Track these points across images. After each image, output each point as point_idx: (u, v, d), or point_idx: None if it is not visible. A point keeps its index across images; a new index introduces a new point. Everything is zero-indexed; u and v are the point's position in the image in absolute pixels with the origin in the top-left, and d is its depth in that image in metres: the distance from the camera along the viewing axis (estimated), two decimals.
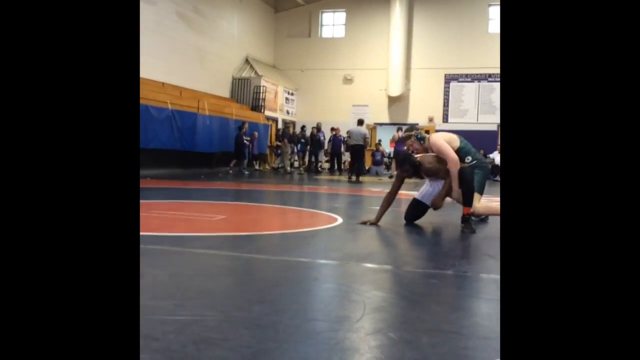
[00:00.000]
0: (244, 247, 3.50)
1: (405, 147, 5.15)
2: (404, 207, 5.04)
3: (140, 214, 1.28)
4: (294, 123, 19.76)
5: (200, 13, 16.05)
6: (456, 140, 4.69)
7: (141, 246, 2.14)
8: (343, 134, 16.03)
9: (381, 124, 19.68)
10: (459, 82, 19.12)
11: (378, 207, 4.73)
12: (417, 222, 4.75)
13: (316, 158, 16.90)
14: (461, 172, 4.48)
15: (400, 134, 14.31)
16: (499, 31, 1.30)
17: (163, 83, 14.08)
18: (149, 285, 2.27)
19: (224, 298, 2.23)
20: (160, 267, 2.73)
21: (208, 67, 16.52)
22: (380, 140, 17.94)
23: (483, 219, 5.00)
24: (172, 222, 4.55)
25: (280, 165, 15.96)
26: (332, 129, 16.85)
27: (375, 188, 9.85)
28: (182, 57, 15.14)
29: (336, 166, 16.01)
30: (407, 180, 4.99)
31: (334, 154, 16.23)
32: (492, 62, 17.69)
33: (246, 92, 18.06)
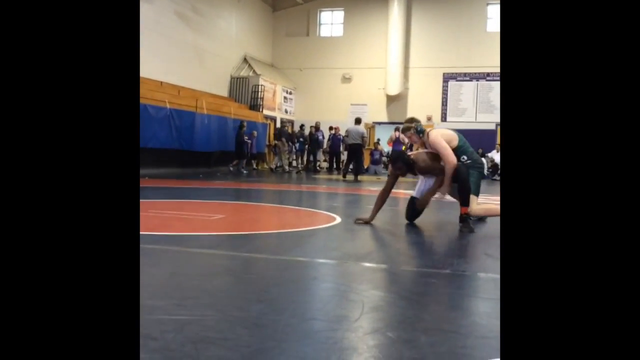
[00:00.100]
0: (243, 246, 3.50)
1: (406, 139, 5.10)
2: (401, 206, 5.04)
3: (139, 213, 1.27)
4: (292, 122, 19.75)
5: (199, 12, 16.04)
6: (455, 139, 4.66)
7: (140, 245, 2.14)
8: (342, 133, 16.03)
9: (379, 123, 19.69)
10: (457, 81, 19.13)
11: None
12: (416, 221, 4.75)
13: (314, 157, 16.90)
14: (457, 171, 4.47)
15: (398, 133, 14.32)
16: (497, 30, 1.31)
17: (161, 82, 14.07)
18: (147, 285, 2.27)
19: (222, 297, 2.23)
20: (158, 266, 2.73)
21: (206, 66, 16.51)
22: (378, 139, 17.94)
23: (481, 218, 4.99)
24: (171, 222, 4.55)
25: (278, 165, 15.96)
26: (331, 128, 16.85)
27: (374, 187, 9.85)
28: (181, 56, 15.13)
29: (335, 165, 16.01)
30: (405, 180, 4.99)
31: (333, 153, 16.23)
32: (490, 61, 17.71)
33: (244, 91, 18.06)
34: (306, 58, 20.35)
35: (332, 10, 20.52)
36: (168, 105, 12.76)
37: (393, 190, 4.94)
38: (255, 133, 15.30)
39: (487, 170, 15.33)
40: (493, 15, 18.57)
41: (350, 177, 12.39)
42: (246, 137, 14.25)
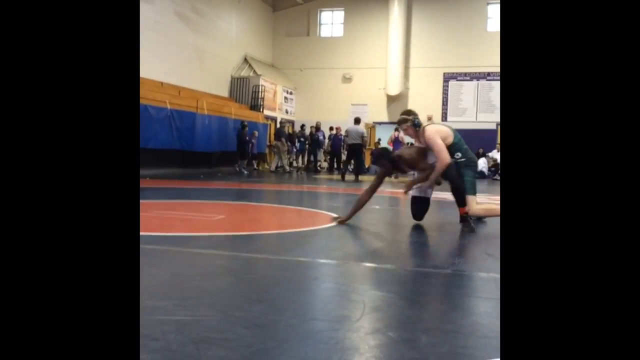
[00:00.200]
0: (243, 246, 3.50)
1: (401, 133, 5.02)
2: (402, 207, 5.03)
3: (140, 214, 1.27)
4: (292, 122, 19.75)
5: (199, 12, 16.05)
6: (451, 136, 4.57)
7: (140, 246, 2.14)
8: (343, 133, 16.02)
9: (380, 123, 19.68)
10: (457, 80, 19.13)
11: (377, 206, 4.73)
12: (417, 221, 4.74)
13: (315, 157, 16.90)
14: (446, 172, 4.40)
15: (398, 133, 14.31)
16: (497, 29, 1.31)
17: (162, 82, 14.07)
18: (148, 285, 2.27)
19: (223, 298, 2.23)
20: (159, 267, 2.73)
21: (207, 67, 16.52)
22: (379, 139, 17.93)
23: (479, 218, 4.97)
24: (171, 222, 4.55)
25: (279, 165, 15.96)
26: (332, 128, 16.84)
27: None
28: (181, 56, 15.14)
29: (335, 165, 16.01)
30: (403, 180, 4.96)
31: (334, 154, 16.23)
32: (490, 60, 17.70)
33: (245, 91, 18.06)
34: (306, 58, 20.36)
35: (332, 10, 20.52)
36: (168, 106, 12.76)
37: (393, 191, 4.93)
38: (256, 133, 15.32)
39: (488, 170, 15.34)
40: (493, 14, 18.57)
41: (350, 177, 12.38)
42: (249, 137, 14.28)
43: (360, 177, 12.29)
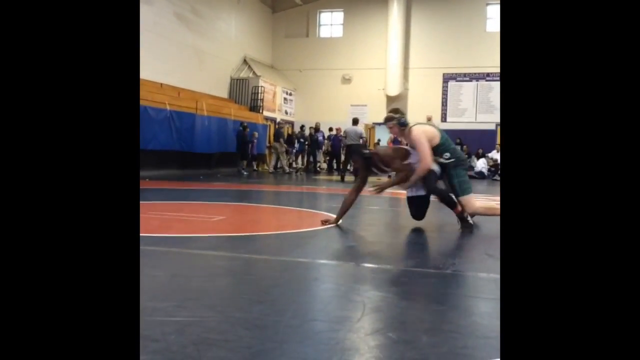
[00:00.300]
0: (243, 247, 3.50)
1: (388, 129, 4.84)
2: (402, 207, 5.03)
3: (140, 215, 1.27)
4: (292, 123, 19.75)
5: (198, 14, 16.05)
6: (437, 137, 4.51)
7: (140, 247, 2.14)
8: (342, 133, 16.02)
9: (380, 124, 19.66)
10: (457, 81, 19.13)
11: (377, 207, 4.73)
12: (416, 222, 4.73)
13: (314, 158, 16.90)
14: (426, 177, 4.37)
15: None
16: (497, 30, 1.31)
17: (161, 84, 14.07)
18: (148, 286, 2.27)
19: (223, 299, 2.23)
20: (159, 268, 2.73)
21: (206, 68, 16.51)
22: (379, 140, 17.93)
23: (466, 222, 4.59)
24: (171, 223, 4.55)
25: (278, 167, 15.96)
26: (331, 129, 16.84)
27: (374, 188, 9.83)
28: (180, 57, 15.14)
29: (335, 166, 16.00)
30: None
31: (333, 154, 16.22)
32: (490, 61, 17.70)
33: (244, 92, 18.06)
34: (306, 59, 20.35)
35: (331, 11, 20.53)
36: (168, 107, 12.76)
37: (393, 191, 4.92)
38: (256, 134, 15.33)
39: (488, 171, 15.34)
40: (492, 15, 18.57)
41: (350, 178, 12.38)
42: (249, 138, 14.30)
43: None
